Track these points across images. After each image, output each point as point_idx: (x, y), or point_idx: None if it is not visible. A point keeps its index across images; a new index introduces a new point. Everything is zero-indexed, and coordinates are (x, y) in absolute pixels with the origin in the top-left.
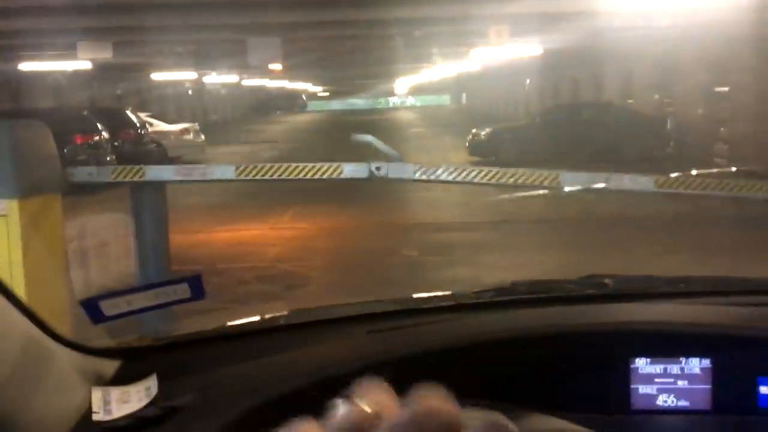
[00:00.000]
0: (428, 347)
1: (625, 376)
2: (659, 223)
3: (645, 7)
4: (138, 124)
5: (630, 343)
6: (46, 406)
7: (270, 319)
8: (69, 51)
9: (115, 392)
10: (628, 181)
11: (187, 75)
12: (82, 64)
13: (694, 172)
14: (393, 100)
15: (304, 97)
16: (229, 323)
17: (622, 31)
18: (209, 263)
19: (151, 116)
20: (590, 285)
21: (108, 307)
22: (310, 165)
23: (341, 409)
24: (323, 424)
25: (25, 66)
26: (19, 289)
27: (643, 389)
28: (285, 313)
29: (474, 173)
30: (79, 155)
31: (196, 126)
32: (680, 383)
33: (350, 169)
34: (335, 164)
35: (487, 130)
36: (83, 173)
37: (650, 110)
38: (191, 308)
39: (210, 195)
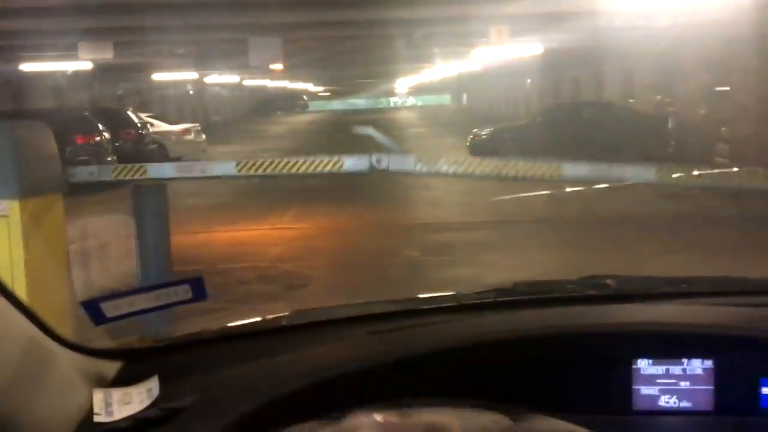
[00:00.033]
0: (429, 348)
1: (626, 377)
2: (660, 223)
3: (646, 7)
4: (139, 125)
5: (632, 344)
6: (48, 408)
7: (271, 320)
8: (70, 51)
9: (117, 393)
10: (630, 172)
11: (188, 75)
12: (82, 64)
13: (695, 173)
14: (394, 100)
15: (305, 97)
16: (231, 324)
17: (622, 30)
18: (210, 263)
19: (152, 117)
20: (591, 286)
21: (109, 309)
22: (311, 159)
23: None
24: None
25: (26, 66)
26: (21, 291)
27: (645, 390)
28: (286, 314)
29: (474, 165)
30: (80, 155)
31: (197, 126)
32: (682, 384)
33: (351, 162)
34: (336, 157)
35: (488, 129)
36: (84, 173)
37: (651, 110)
38: (192, 308)
39: (211, 195)
